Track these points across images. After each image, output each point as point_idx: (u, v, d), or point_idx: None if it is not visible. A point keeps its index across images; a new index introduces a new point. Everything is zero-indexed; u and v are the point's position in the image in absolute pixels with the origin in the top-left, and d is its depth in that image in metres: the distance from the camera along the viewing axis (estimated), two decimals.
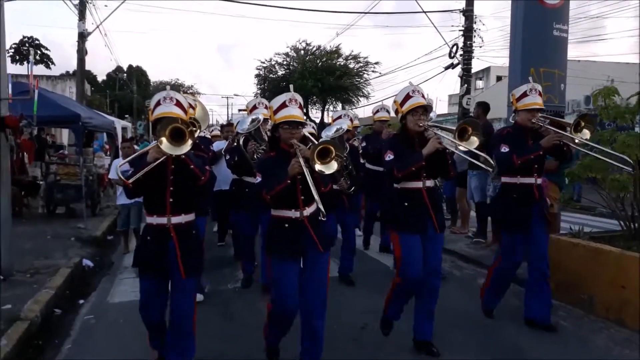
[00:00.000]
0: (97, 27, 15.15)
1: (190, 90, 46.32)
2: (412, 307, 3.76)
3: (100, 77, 51.68)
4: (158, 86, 48.65)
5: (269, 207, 3.21)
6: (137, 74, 49.53)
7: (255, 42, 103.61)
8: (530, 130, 4.05)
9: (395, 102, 3.65)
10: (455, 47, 17.20)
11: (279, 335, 3.38)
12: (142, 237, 3.23)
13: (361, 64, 31.45)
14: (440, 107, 34.58)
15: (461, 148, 3.43)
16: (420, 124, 3.46)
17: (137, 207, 6.64)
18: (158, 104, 3.05)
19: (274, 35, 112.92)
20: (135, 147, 8.23)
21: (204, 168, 3.06)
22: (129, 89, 45.16)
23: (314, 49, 30.81)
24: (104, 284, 5.70)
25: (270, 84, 31.46)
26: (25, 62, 36.19)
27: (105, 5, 50.17)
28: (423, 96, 3.54)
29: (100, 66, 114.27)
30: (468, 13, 16.84)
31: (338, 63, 30.85)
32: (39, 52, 35.30)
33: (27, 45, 38.08)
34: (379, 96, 44.82)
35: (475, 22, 17.09)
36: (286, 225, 3.14)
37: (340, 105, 32.04)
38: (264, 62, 32.03)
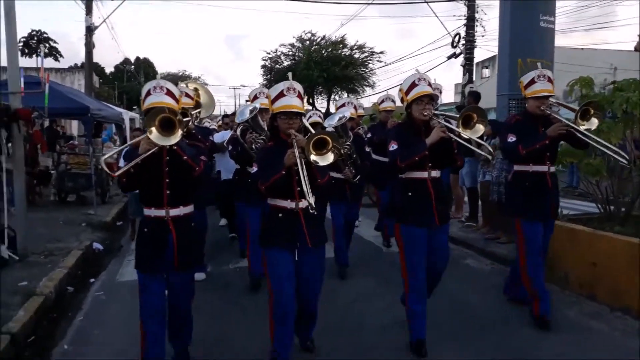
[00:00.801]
0: (104, 20, 15.50)
1: (193, 77, 46.41)
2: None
3: (108, 69, 52.17)
4: (165, 77, 48.93)
5: (265, 197, 3.16)
6: (144, 66, 49.90)
7: (263, 33, 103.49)
8: (540, 118, 3.91)
9: (400, 90, 3.56)
10: (457, 37, 17.36)
11: (284, 336, 3.18)
12: (139, 230, 3.16)
13: (366, 54, 31.61)
14: (447, 96, 34.67)
15: (464, 136, 3.32)
16: (425, 113, 3.37)
17: None
18: (148, 93, 2.97)
19: (282, 26, 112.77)
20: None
21: (198, 159, 3.00)
22: (136, 81, 45.55)
23: (320, 39, 30.98)
24: (113, 265, 6.06)
25: (276, 74, 31.63)
26: (34, 55, 36.76)
27: None
28: (429, 84, 3.45)
29: (108, 58, 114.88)
30: (471, 2, 16.94)
31: (343, 53, 31.00)
32: (47, 45, 35.75)
33: (35, 38, 38.60)
34: (384, 85, 44.88)
35: (477, 12, 17.22)
36: (280, 215, 3.11)
37: (345, 95, 32.22)
38: (269, 53, 32.29)
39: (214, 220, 7.63)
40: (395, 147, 3.43)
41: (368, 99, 30.04)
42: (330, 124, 4.87)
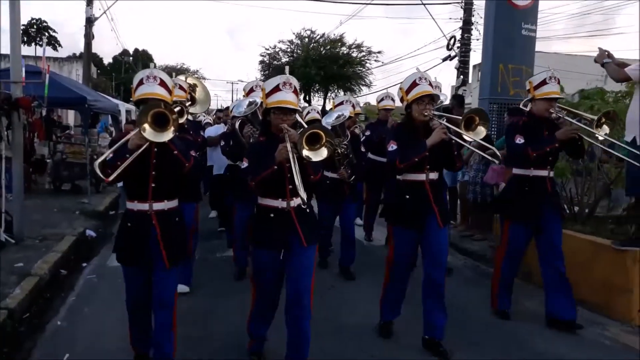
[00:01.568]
0: (104, 12, 15.69)
1: (192, 70, 46.39)
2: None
3: (107, 60, 52.25)
4: (163, 70, 48.92)
5: (255, 194, 3.09)
6: (142, 58, 49.90)
7: (263, 28, 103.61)
8: (546, 121, 3.85)
9: (400, 89, 3.49)
10: (453, 39, 17.63)
11: (260, 326, 3.25)
12: (121, 223, 3.05)
13: (364, 53, 31.87)
14: (443, 97, 34.85)
15: (466, 139, 3.28)
16: (426, 113, 3.32)
17: None
18: (141, 82, 2.83)
19: (281, 23, 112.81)
20: None
21: (189, 154, 2.90)
22: (134, 73, 45.53)
23: (318, 37, 31.21)
24: (104, 251, 6.30)
25: (274, 70, 31.84)
26: (33, 44, 36.86)
27: None
28: (430, 84, 3.40)
29: (106, 48, 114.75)
30: (467, 6, 17.20)
31: (341, 52, 31.25)
32: (46, 34, 35.82)
33: (35, 27, 38.63)
34: (380, 85, 45.16)
35: (473, 15, 17.48)
36: (271, 215, 3.01)
37: (342, 93, 32.42)
38: (268, 49, 32.48)
39: (205, 211, 7.78)
40: (395, 147, 3.38)
41: (364, 98, 30.41)
42: (327, 122, 4.80)
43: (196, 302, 4.48)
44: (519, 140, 3.81)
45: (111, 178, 2.69)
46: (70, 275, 5.34)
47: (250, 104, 4.56)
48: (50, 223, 7.10)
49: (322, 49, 30.91)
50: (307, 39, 31.42)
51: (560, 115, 3.80)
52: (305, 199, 2.78)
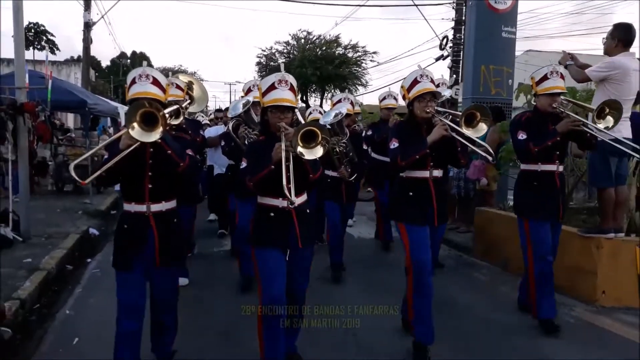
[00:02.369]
0: (102, 17, 16.00)
1: (189, 72, 46.47)
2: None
3: (105, 63, 52.50)
4: (161, 72, 49.15)
5: (255, 194, 3.05)
6: (140, 60, 49.99)
7: (259, 30, 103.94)
8: (550, 116, 3.81)
9: (402, 87, 3.47)
10: (445, 39, 17.94)
11: (274, 339, 2.98)
12: (118, 226, 2.97)
13: (359, 53, 32.15)
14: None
15: (466, 134, 3.24)
16: (428, 110, 3.30)
17: None
18: (133, 82, 2.79)
19: (278, 24, 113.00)
20: None
21: (184, 153, 2.84)
22: None
23: (314, 38, 31.48)
24: (107, 248, 6.55)
25: (271, 71, 32.07)
26: (31, 48, 37.08)
27: None
28: (432, 81, 3.37)
29: (104, 51, 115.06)
30: (459, 6, 17.51)
31: (337, 52, 31.53)
32: (44, 37, 36.11)
33: (32, 30, 38.87)
34: (376, 85, 45.43)
35: (464, 15, 17.77)
36: (272, 214, 2.97)
37: (338, 92, 32.67)
38: (264, 50, 32.75)
39: (203, 214, 7.94)
40: (396, 145, 3.36)
41: (360, 98, 30.63)
42: (325, 120, 4.79)
43: (192, 295, 4.69)
44: (522, 135, 3.83)
45: (89, 180, 2.73)
46: (75, 270, 5.65)
47: (244, 104, 4.64)
48: (54, 222, 7.40)
49: (318, 50, 31.16)
50: (303, 40, 31.70)
51: (562, 110, 3.78)
52: (294, 201, 2.69)
